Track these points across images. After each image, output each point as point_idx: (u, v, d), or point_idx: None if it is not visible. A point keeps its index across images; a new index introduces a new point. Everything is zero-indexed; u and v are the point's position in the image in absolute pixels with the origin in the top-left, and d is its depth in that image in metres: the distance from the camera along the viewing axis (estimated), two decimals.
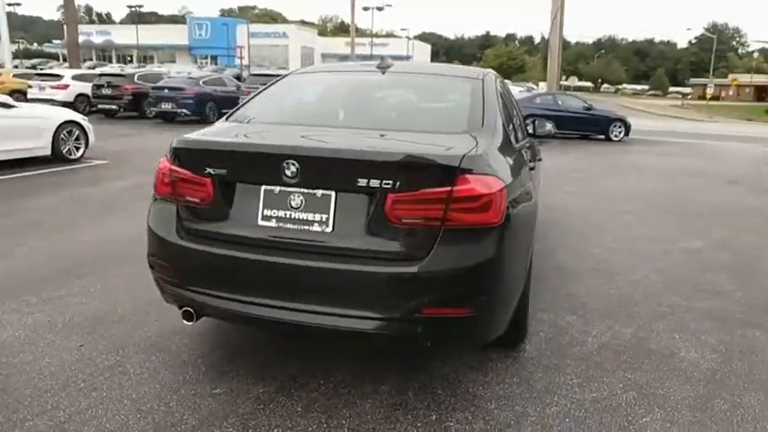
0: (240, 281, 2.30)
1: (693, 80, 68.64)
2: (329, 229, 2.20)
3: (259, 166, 2.29)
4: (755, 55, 77.37)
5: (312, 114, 3.05)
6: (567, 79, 50.02)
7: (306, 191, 2.21)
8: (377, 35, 54.49)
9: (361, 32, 55.70)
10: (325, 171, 2.21)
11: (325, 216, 2.20)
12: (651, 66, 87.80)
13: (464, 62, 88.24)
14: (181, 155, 2.43)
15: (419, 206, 2.11)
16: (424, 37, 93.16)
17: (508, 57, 70.76)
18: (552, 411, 2.40)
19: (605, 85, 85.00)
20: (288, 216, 2.24)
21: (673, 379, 2.70)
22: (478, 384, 2.59)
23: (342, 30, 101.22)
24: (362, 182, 2.13)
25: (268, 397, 2.44)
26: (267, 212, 2.26)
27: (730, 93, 56.64)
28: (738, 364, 2.86)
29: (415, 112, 3.03)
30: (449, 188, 2.09)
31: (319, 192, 2.21)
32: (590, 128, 15.36)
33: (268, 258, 2.23)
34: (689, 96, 60.62)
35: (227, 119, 2.93)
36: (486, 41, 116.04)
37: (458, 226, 2.13)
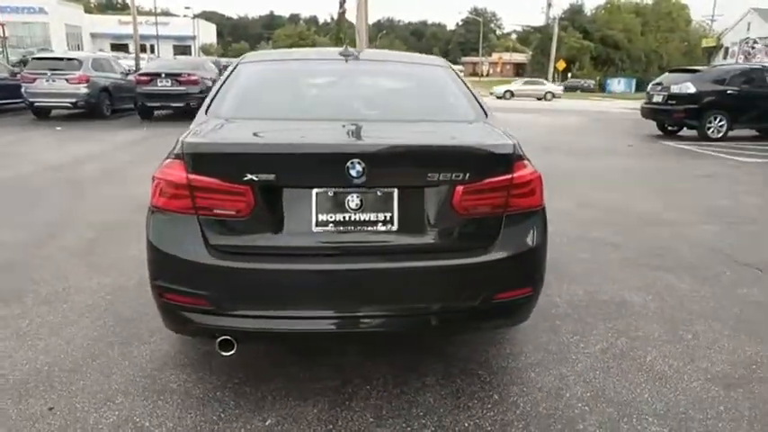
0: (297, 296, 2.13)
1: (465, 59, 77.62)
2: (395, 228, 2.15)
3: (316, 167, 2.13)
4: (513, 36, 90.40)
5: (313, 107, 2.87)
6: None
7: (365, 190, 2.12)
8: (151, 13, 49.50)
9: (137, 10, 50.01)
10: (393, 168, 2.16)
11: (388, 215, 2.15)
12: (426, 45, 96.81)
13: (252, 42, 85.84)
14: (204, 161, 2.10)
15: (486, 195, 2.20)
16: (207, 16, 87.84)
17: (299, 37, 71.07)
18: (581, 368, 2.71)
19: None
20: (347, 219, 2.13)
21: (639, 321, 3.25)
22: (507, 360, 2.78)
23: (108, 7, 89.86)
24: (432, 176, 2.14)
25: (328, 415, 2.29)
26: (322, 218, 2.12)
27: (498, 69, 65.61)
28: (670, 301, 3.54)
29: (416, 102, 3.02)
30: (510, 176, 2.23)
31: (380, 190, 2.14)
32: None
33: (330, 267, 2.12)
34: (462, 73, 68.65)
35: (206, 114, 2.57)
36: (272, 21, 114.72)
37: (515, 212, 2.27)
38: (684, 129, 12.88)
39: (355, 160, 2.06)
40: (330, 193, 2.12)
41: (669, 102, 12.48)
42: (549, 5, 46.62)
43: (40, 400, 2.37)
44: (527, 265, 2.33)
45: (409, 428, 2.23)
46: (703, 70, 13.32)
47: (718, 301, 3.54)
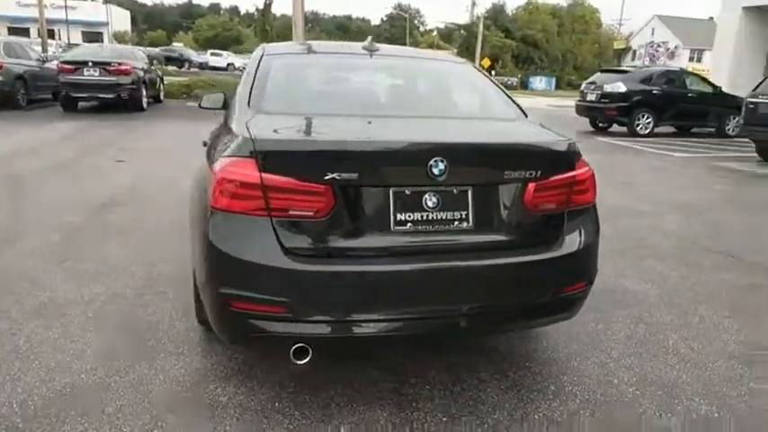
0: (378, 298, 2.07)
1: None
2: (470, 226, 2.16)
3: (398, 165, 2.10)
4: (434, 33, 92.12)
5: (362, 103, 2.78)
6: None
7: (442, 189, 2.11)
8: None
9: None
10: (472, 166, 2.18)
11: (464, 213, 2.15)
12: (353, 40, 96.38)
13: (169, 31, 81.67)
14: (281, 159, 1.98)
15: (554, 192, 2.26)
16: (118, 1, 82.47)
17: (223, 28, 68.47)
18: (616, 355, 2.82)
19: None
20: (424, 218, 2.10)
21: (649, 308, 3.42)
22: (547, 352, 2.84)
23: None
24: (509, 173, 2.18)
25: (400, 418, 2.23)
26: (400, 217, 2.08)
27: None
28: (667, 288, 3.77)
29: (459, 99, 3.05)
30: (573, 173, 2.32)
31: (456, 188, 2.14)
32: None
33: (410, 267, 2.08)
34: None
35: (249, 108, 2.39)
36: (190, 10, 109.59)
37: (575, 208, 2.35)
38: (614, 125, 13.76)
39: (438, 158, 2.03)
40: (407, 192, 2.08)
41: (602, 100, 13.26)
42: (474, 4, 47.96)
43: (79, 427, 2.12)
44: (586, 259, 2.41)
45: (485, 425, 2.24)
46: (632, 71, 14.28)
47: (707, 287, 3.82)
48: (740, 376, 2.66)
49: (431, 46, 79.77)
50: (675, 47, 50.40)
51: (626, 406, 2.40)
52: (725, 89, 13.74)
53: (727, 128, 13.35)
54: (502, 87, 3.01)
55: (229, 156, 2.03)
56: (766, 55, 15.66)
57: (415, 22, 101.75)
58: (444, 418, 2.25)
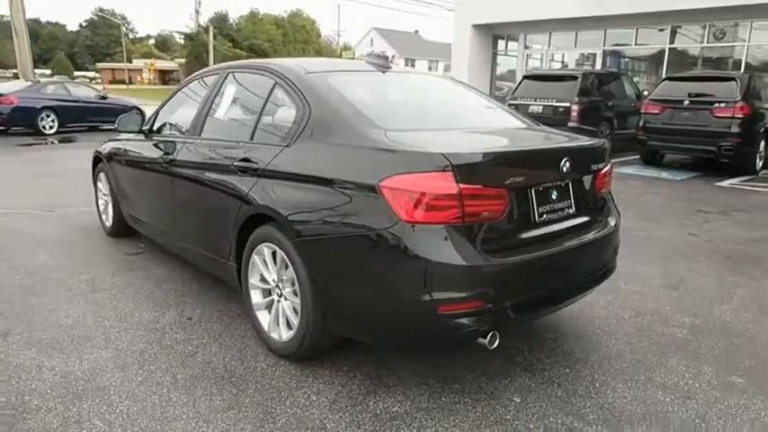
0: (543, 278, 2.44)
1: (101, 64, 68.76)
2: (573, 211, 2.63)
3: (543, 167, 2.51)
4: (151, 41, 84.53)
5: (441, 118, 3.08)
6: None
7: (558, 183, 2.55)
8: None
9: None
10: (578, 163, 2.60)
11: (569, 201, 2.62)
12: (46, 48, 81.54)
13: None
14: (473, 170, 2.21)
15: (606, 179, 2.89)
16: None
17: None
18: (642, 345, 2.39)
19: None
20: (551, 209, 2.53)
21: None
22: (578, 342, 2.59)
23: None
24: (593, 166, 2.76)
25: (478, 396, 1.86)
26: (540, 210, 2.46)
27: (151, 77, 60.28)
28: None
29: (487, 111, 3.42)
30: (610, 164, 2.95)
31: (564, 182, 2.58)
32: (108, 117, 14.05)
33: (558, 249, 2.46)
34: (98, 81, 60.47)
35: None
36: None
37: (608, 192, 2.97)
38: None
39: (566, 158, 2.50)
40: (540, 188, 2.46)
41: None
42: (198, 12, 45.75)
43: None
44: (619, 231, 2.94)
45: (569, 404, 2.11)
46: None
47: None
48: None
49: (144, 56, 73.20)
50: (393, 56, 57.23)
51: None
52: None
53: None
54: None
55: (420, 172, 2.15)
56: (490, 63, 19.05)
57: (124, 28, 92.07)
58: (517, 400, 2.18)
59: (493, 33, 18.69)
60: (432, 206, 2.13)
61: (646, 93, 11.06)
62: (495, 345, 2.26)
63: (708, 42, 14.27)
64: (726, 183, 8.31)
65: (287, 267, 2.59)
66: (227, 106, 3.36)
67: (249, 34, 54.74)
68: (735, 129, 8.32)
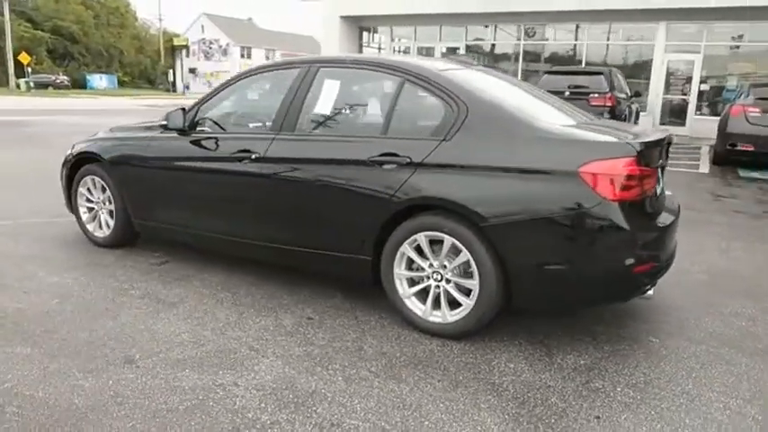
0: (666, 241, 2.93)
1: None
2: (660, 190, 3.05)
3: (659, 151, 2.93)
4: None
5: (546, 111, 3.29)
6: None
7: (662, 164, 3.02)
8: None
9: None
10: (667, 151, 3.12)
11: (662, 181, 3.11)
12: None
13: None
14: (646, 155, 2.63)
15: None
16: None
17: None
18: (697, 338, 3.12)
19: None
20: (662, 187, 3.11)
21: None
22: (637, 324, 3.05)
23: None
24: (668, 155, 3.19)
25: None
26: (657, 188, 2.93)
27: None
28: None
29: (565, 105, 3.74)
30: None
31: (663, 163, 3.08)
32: None
33: (669, 221, 2.97)
34: None
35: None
36: None
37: None
38: None
39: (667, 145, 3.05)
40: (659, 169, 2.97)
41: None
42: None
43: None
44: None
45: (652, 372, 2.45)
46: None
47: None
48: None
49: None
50: (227, 44, 54.18)
51: None
52: None
53: None
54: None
55: (614, 158, 2.56)
56: (357, 52, 19.53)
57: None
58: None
59: (359, 26, 19.18)
60: (626, 186, 2.56)
61: None
62: (649, 293, 2.89)
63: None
64: None
65: (457, 252, 2.73)
66: (330, 102, 3.26)
67: (52, 14, 47.58)
68: (606, 116, 9.96)
